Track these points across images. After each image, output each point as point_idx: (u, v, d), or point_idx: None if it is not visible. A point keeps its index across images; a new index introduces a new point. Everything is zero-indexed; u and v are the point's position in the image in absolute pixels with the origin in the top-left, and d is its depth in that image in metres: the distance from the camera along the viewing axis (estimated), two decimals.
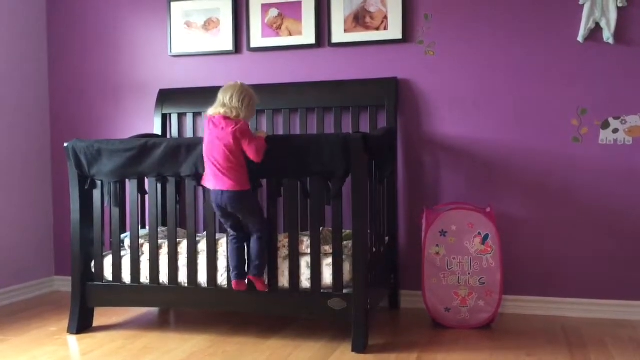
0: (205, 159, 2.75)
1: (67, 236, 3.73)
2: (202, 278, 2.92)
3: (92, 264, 3.07)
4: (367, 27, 3.46)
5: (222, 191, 2.71)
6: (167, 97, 3.70)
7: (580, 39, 3.18)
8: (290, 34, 3.57)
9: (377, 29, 3.45)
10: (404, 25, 3.40)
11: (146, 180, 3.03)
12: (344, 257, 2.75)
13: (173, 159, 2.88)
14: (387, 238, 3.25)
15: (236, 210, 2.74)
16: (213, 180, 2.73)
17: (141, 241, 3.04)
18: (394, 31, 3.42)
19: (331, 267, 2.75)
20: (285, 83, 3.56)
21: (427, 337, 2.93)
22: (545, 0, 3.24)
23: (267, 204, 2.85)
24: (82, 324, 3.05)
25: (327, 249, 2.82)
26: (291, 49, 3.58)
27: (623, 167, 3.17)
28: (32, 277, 3.88)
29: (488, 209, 3.16)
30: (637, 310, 3.17)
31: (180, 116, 3.71)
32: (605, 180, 3.20)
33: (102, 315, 3.25)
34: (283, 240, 2.85)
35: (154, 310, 3.47)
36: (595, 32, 3.17)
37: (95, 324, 3.13)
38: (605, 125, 3.20)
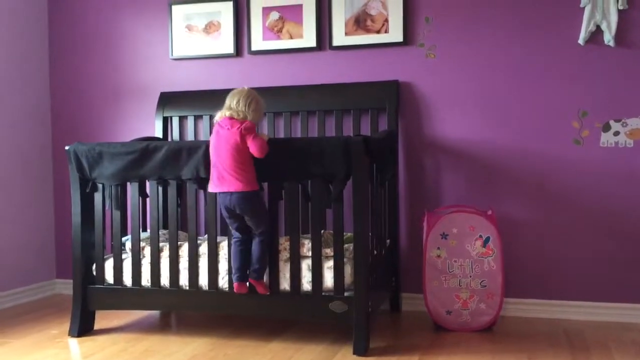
0: (212, 164, 2.76)
1: (68, 239, 3.73)
2: (203, 281, 2.92)
3: (94, 267, 3.07)
4: (368, 30, 3.47)
5: (231, 193, 2.71)
6: (168, 100, 3.71)
7: (581, 41, 3.18)
8: (291, 37, 3.58)
9: (378, 31, 3.45)
10: (404, 28, 3.41)
11: (147, 184, 3.03)
12: (345, 259, 2.75)
13: (174, 162, 2.88)
14: (388, 241, 3.25)
15: (244, 211, 2.74)
16: (220, 184, 2.73)
17: (142, 244, 3.04)
18: (395, 34, 3.42)
19: (332, 270, 2.75)
20: (286, 86, 3.57)
21: (428, 340, 2.92)
22: (546, 3, 3.24)
23: (268, 206, 2.85)
24: (84, 327, 3.05)
25: (328, 251, 2.82)
26: (292, 52, 3.59)
27: (624, 170, 3.17)
28: (33, 280, 3.88)
29: (489, 212, 3.16)
30: None
31: (181, 119, 3.71)
32: (606, 183, 3.19)
33: (103, 318, 3.25)
34: (284, 243, 2.85)
35: (155, 313, 3.47)
36: (596, 34, 3.17)
37: (96, 326, 3.13)
38: (606, 127, 3.20)
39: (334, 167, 2.70)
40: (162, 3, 3.79)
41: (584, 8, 3.16)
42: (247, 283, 2.83)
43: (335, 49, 3.52)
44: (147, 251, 3.03)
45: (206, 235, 2.96)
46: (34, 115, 3.91)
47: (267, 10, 3.61)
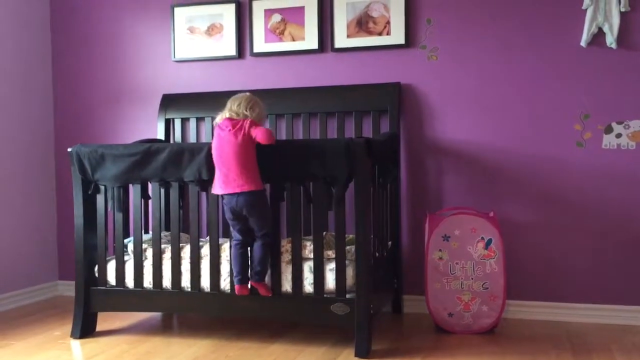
0: (217, 168, 2.76)
1: (70, 241, 3.74)
2: (205, 283, 2.92)
3: (96, 268, 3.07)
4: (369, 32, 3.47)
5: (238, 194, 2.71)
6: (170, 102, 3.71)
7: (583, 43, 3.18)
8: (293, 39, 3.58)
9: (380, 34, 3.45)
10: (406, 30, 3.41)
11: (149, 185, 3.04)
12: (347, 262, 2.75)
13: (176, 164, 2.88)
14: (390, 243, 3.24)
15: (250, 213, 2.74)
16: (226, 186, 2.72)
17: (144, 246, 3.05)
18: (397, 36, 3.42)
19: (334, 272, 2.75)
20: (288, 88, 3.57)
21: (430, 342, 2.92)
22: (548, 5, 3.24)
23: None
24: (86, 329, 3.06)
25: (330, 253, 2.82)
26: (294, 54, 3.59)
27: (626, 172, 3.17)
28: (35, 281, 3.88)
29: (491, 214, 3.16)
30: None
31: (184, 121, 3.72)
32: (608, 185, 3.19)
33: (105, 320, 3.25)
34: (286, 245, 2.86)
35: (157, 315, 3.47)
36: (598, 36, 3.17)
37: (98, 328, 3.13)
38: (609, 130, 3.19)
39: (335, 169, 2.70)
40: (165, 5, 3.80)
41: (586, 10, 3.16)
42: (249, 285, 2.83)
43: (337, 51, 3.52)
44: (149, 253, 3.03)
45: (208, 237, 2.96)
46: (37, 117, 3.92)
47: (269, 13, 3.61)
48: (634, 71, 3.15)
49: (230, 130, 2.72)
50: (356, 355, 2.69)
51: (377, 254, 2.90)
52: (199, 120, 3.68)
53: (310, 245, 2.82)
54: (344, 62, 3.52)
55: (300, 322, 3.13)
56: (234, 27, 3.66)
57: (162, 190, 3.07)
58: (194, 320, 3.36)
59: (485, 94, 3.34)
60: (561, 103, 3.24)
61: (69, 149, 3.03)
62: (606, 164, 3.19)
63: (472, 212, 3.11)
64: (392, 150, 3.21)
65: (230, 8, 3.66)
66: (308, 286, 2.79)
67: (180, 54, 3.77)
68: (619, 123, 3.18)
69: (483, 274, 3.03)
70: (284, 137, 3.54)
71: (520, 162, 3.29)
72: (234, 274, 2.83)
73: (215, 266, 2.90)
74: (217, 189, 2.76)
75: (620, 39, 3.14)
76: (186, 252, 2.98)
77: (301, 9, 3.56)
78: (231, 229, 2.87)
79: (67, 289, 3.93)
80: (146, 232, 3.33)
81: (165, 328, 3.27)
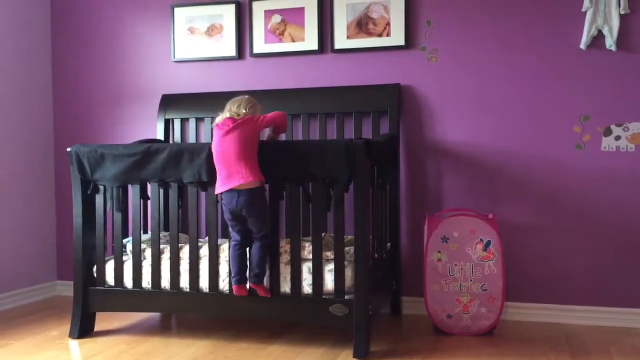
0: (217, 166, 2.76)
1: (69, 241, 3.73)
2: (204, 283, 2.92)
3: (94, 268, 3.07)
4: (369, 34, 3.47)
5: (238, 192, 2.70)
6: (170, 102, 3.71)
7: (582, 46, 3.18)
8: (293, 40, 3.58)
9: (380, 35, 3.46)
10: (406, 31, 3.41)
11: (148, 186, 3.03)
12: (345, 263, 2.75)
13: (176, 164, 2.88)
14: (388, 244, 3.24)
15: (249, 212, 2.73)
16: (227, 181, 2.71)
17: (143, 246, 3.05)
18: (397, 37, 3.43)
19: (333, 273, 2.75)
20: (287, 89, 3.57)
21: (428, 343, 2.92)
22: (548, 7, 3.24)
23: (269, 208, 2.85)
24: (84, 329, 3.05)
25: (329, 254, 2.82)
26: (294, 55, 3.59)
27: (625, 174, 3.17)
28: (34, 281, 3.88)
29: (490, 216, 3.16)
30: None
31: (183, 121, 3.72)
32: (607, 187, 3.19)
33: (103, 320, 3.25)
34: (285, 246, 2.85)
35: (155, 315, 3.47)
36: (598, 39, 3.17)
37: (96, 328, 3.13)
38: (608, 132, 3.19)
39: (335, 170, 2.70)
40: (165, 5, 3.80)
41: (585, 12, 3.16)
42: (247, 285, 2.83)
43: (337, 52, 3.52)
44: (147, 253, 3.03)
45: (207, 238, 2.96)
46: (36, 117, 3.91)
47: (269, 13, 3.61)
48: (634, 73, 3.15)
49: (229, 127, 2.72)
50: (355, 356, 2.69)
51: (376, 255, 2.90)
52: (199, 120, 3.68)
53: (309, 246, 2.82)
54: (344, 63, 3.52)
55: (298, 323, 3.13)
56: (234, 27, 3.67)
57: (161, 191, 3.06)
58: (192, 320, 3.36)
59: (485, 96, 3.34)
60: (561, 104, 3.24)
61: (68, 149, 3.03)
62: (605, 167, 3.19)
63: (471, 213, 3.11)
64: (391, 151, 3.21)
65: (230, 9, 3.67)
66: (307, 287, 2.79)
67: (180, 54, 3.77)
68: (618, 125, 3.18)
69: (482, 276, 3.03)
70: (283, 138, 3.53)
71: (519, 164, 3.29)
72: (232, 274, 2.83)
73: (214, 267, 2.90)
74: (219, 187, 2.77)
75: (620, 41, 3.14)
76: (185, 253, 2.98)
77: (301, 10, 3.56)
78: (230, 229, 2.87)
79: (66, 289, 3.93)
80: (145, 232, 3.32)
81: (163, 328, 3.27)
